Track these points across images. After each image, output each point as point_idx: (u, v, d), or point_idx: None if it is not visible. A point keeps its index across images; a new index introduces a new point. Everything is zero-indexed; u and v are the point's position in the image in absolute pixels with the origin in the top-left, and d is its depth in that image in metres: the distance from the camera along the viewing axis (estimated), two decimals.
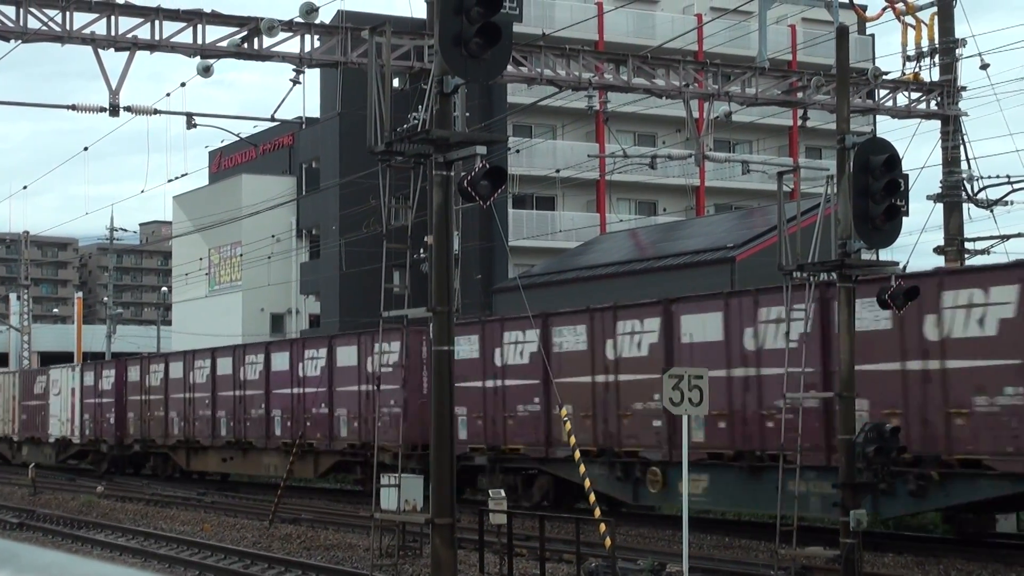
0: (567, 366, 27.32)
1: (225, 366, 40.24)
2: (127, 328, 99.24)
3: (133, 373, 46.37)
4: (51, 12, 22.44)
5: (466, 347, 29.57)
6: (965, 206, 30.74)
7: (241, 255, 72.11)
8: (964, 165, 30.53)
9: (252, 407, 38.44)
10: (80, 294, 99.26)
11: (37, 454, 53.77)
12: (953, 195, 30.55)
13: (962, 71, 30.48)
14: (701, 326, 24.68)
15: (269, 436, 37.50)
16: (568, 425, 23.95)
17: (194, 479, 44.38)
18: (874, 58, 56.39)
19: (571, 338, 27.52)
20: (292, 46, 23.85)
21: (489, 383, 29.64)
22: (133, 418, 45.99)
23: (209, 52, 23.44)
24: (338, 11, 31.12)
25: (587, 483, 21.18)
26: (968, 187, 30.75)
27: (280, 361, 37.34)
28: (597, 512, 20.38)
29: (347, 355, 34.48)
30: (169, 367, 43.73)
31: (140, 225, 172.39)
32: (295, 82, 24.04)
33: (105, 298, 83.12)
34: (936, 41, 30.48)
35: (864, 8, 33.19)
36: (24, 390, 55.29)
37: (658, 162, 31.33)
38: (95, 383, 48.76)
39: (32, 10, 22.33)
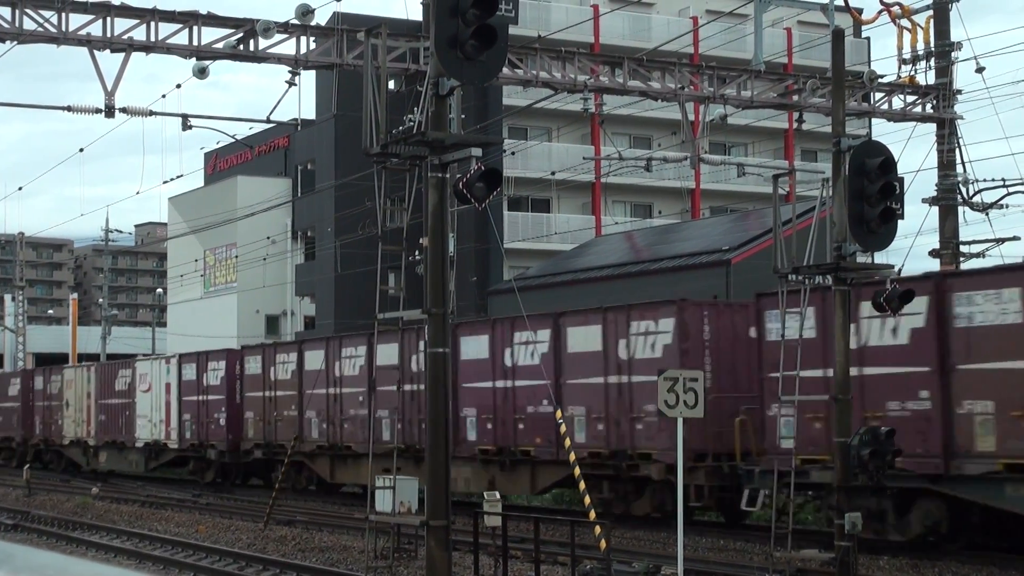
0: (978, 349, 20.34)
1: (389, 355, 32.17)
2: (122, 329, 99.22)
3: (252, 365, 38.74)
4: (47, 13, 22.44)
5: (777, 325, 22.43)
6: (960, 209, 30.80)
7: (236, 257, 72.13)
8: (959, 168, 30.60)
9: None
10: (75, 295, 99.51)
11: (120, 461, 46.55)
12: (948, 198, 30.60)
13: (958, 74, 30.61)
14: None
15: (458, 441, 29.70)
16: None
17: (341, 491, 37.58)
18: (870, 61, 56.43)
19: (993, 308, 20.37)
20: (288, 48, 23.90)
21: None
22: (253, 418, 38.42)
23: (205, 54, 23.45)
24: (334, 13, 31.11)
25: (582, 485, 21.15)
26: (963, 190, 30.80)
27: (474, 348, 29.83)
28: (592, 514, 20.37)
29: (584, 338, 27.08)
30: (304, 357, 36.11)
31: (135, 227, 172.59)
32: (291, 84, 24.04)
33: (100, 299, 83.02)
34: (932, 44, 30.52)
35: (860, 11, 33.26)
36: (103, 386, 47.41)
37: (653, 165, 31.32)
38: (198, 377, 41.10)
39: (28, 11, 22.33)
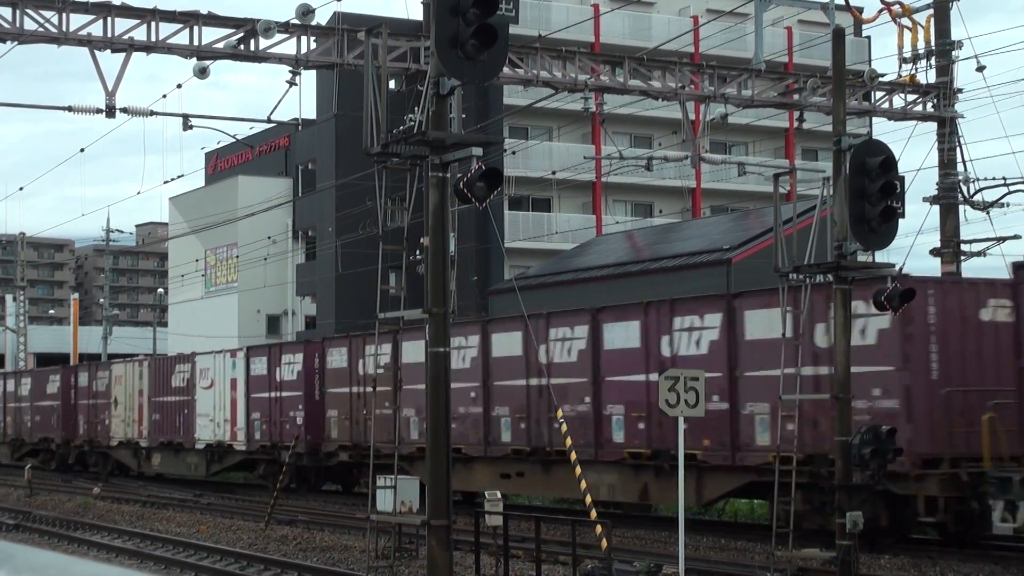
0: None
1: (508, 345, 28.40)
2: (123, 329, 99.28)
3: (336, 357, 34.90)
4: (47, 13, 22.45)
5: None
6: (961, 208, 30.79)
7: (237, 256, 72.17)
8: (960, 167, 30.59)
9: (566, 401, 26.57)
10: (76, 295, 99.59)
11: (177, 463, 43.09)
12: (949, 197, 30.59)
13: (958, 73, 30.60)
14: None
15: (600, 444, 26.16)
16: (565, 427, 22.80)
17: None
18: (870, 60, 56.43)
19: None
20: (288, 48, 23.90)
21: None
22: (337, 417, 34.61)
23: (205, 53, 23.46)
24: (334, 13, 31.11)
25: (582, 484, 21.15)
26: (964, 189, 30.79)
27: (621, 335, 25.98)
28: (593, 514, 20.37)
29: (768, 324, 22.87)
30: (402, 349, 31.39)
31: (136, 227, 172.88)
32: (291, 84, 24.04)
33: (101, 299, 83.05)
34: (932, 43, 30.52)
35: (860, 10, 33.23)
36: (157, 383, 43.64)
37: (654, 164, 31.31)
38: (269, 372, 37.43)
39: (28, 11, 22.33)
